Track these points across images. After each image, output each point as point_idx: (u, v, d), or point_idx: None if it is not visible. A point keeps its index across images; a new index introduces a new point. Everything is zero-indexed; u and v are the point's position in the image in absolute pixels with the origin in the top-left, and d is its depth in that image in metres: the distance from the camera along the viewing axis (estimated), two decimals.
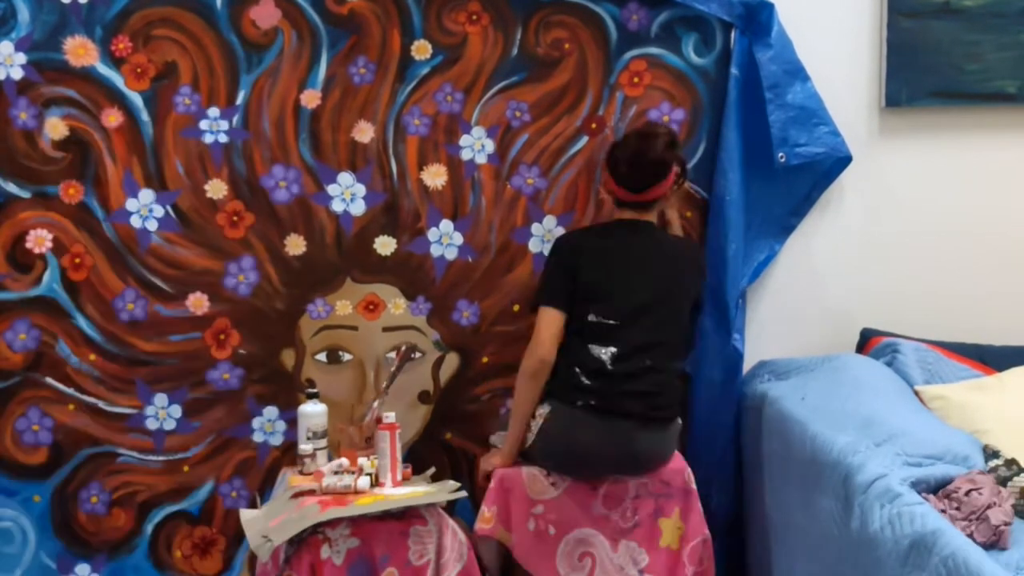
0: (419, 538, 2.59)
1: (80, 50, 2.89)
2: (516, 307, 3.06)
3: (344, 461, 2.76)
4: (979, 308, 3.20)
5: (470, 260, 3.05)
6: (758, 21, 2.98)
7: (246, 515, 2.67)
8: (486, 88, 3.01)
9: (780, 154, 3.00)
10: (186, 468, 3.02)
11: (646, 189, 2.79)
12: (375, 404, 2.92)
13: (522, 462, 2.79)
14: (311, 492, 2.66)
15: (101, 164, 2.93)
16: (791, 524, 2.68)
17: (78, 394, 2.97)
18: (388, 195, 3.02)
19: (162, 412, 2.99)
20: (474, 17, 2.99)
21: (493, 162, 3.03)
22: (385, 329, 3.05)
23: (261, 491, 3.02)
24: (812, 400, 2.75)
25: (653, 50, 3.03)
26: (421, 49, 2.99)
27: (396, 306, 3.05)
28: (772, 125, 2.98)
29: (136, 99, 2.93)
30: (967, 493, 2.20)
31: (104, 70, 2.90)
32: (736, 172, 3.00)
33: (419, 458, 3.00)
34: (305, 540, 2.53)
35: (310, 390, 2.89)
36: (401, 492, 2.68)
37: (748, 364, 3.11)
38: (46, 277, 2.94)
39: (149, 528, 3.02)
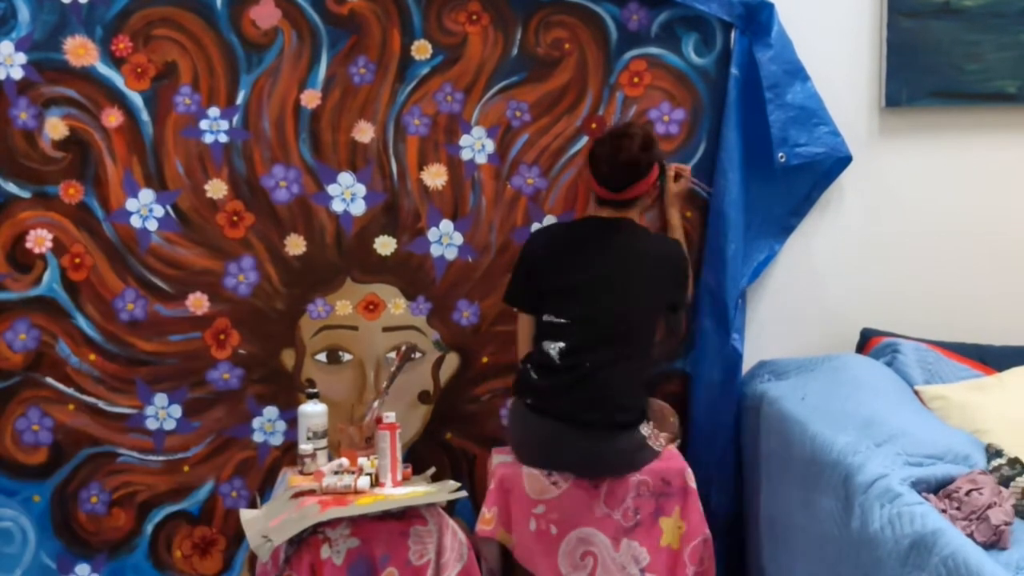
0: (419, 538, 2.59)
1: (80, 50, 2.89)
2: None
3: (344, 461, 2.76)
4: (979, 308, 3.20)
5: (470, 260, 3.05)
6: (758, 21, 2.98)
7: (246, 515, 2.67)
8: (486, 88, 3.01)
9: (780, 154, 3.00)
10: (186, 468, 3.02)
11: (625, 188, 2.79)
12: (375, 404, 2.92)
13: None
14: (311, 492, 2.66)
15: (101, 164, 2.93)
16: (791, 524, 2.68)
17: (78, 394, 2.97)
18: (388, 195, 3.02)
19: (162, 412, 2.99)
20: (474, 17, 2.99)
21: (493, 162, 3.03)
22: (385, 329, 3.05)
23: (261, 491, 3.02)
24: (812, 400, 2.75)
25: (653, 50, 3.03)
26: (421, 49, 2.99)
27: (396, 306, 3.05)
28: (772, 125, 2.98)
29: (136, 99, 2.93)
30: (967, 493, 2.20)
31: (104, 70, 2.90)
32: (736, 172, 3.00)
33: (419, 458, 3.00)
34: (305, 540, 2.53)
35: (310, 390, 2.89)
36: (401, 492, 2.68)
37: (748, 364, 3.10)
38: (46, 277, 2.94)
39: (149, 528, 3.02)
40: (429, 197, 3.03)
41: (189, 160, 2.96)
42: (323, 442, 2.85)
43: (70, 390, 2.97)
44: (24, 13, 2.86)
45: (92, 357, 2.96)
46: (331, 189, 3.00)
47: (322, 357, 3.04)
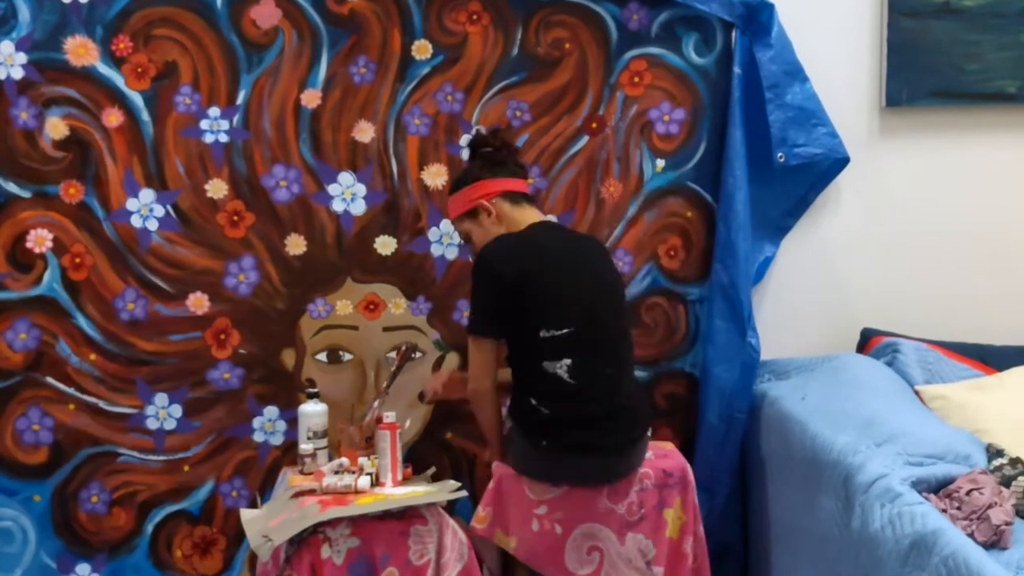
0: (419, 538, 2.59)
1: (81, 50, 2.89)
2: None
3: (344, 461, 2.76)
4: (979, 308, 3.20)
5: (470, 260, 3.05)
6: (758, 21, 2.98)
7: (246, 515, 2.67)
8: (486, 88, 3.01)
9: (779, 154, 3.00)
10: (186, 468, 3.01)
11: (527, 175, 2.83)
12: (375, 404, 2.92)
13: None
14: (311, 492, 2.66)
15: (101, 164, 2.93)
16: (791, 524, 2.68)
17: (78, 394, 2.97)
18: (388, 195, 3.02)
19: (162, 412, 2.99)
20: (474, 17, 2.99)
21: None
22: (385, 329, 3.05)
23: (261, 491, 3.02)
24: (812, 400, 2.75)
25: (653, 50, 3.03)
26: (421, 49, 2.99)
27: (396, 306, 3.05)
28: (772, 125, 2.98)
29: (136, 99, 2.93)
30: (968, 493, 2.20)
31: (104, 70, 2.90)
32: (743, 169, 2.99)
33: (419, 458, 3.00)
34: (305, 540, 2.52)
35: (310, 390, 2.89)
36: (401, 492, 2.68)
37: None
38: (46, 277, 2.94)
39: (149, 528, 3.02)
40: (429, 197, 3.03)
41: (189, 160, 2.95)
42: (323, 442, 2.85)
43: (70, 390, 2.96)
44: (24, 13, 2.86)
45: (92, 357, 2.96)
46: (331, 189, 3.00)
47: (322, 357, 3.04)
